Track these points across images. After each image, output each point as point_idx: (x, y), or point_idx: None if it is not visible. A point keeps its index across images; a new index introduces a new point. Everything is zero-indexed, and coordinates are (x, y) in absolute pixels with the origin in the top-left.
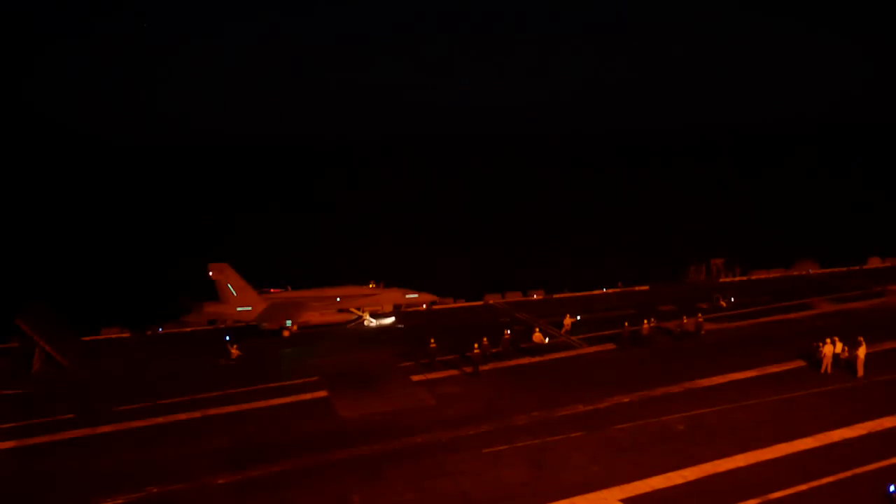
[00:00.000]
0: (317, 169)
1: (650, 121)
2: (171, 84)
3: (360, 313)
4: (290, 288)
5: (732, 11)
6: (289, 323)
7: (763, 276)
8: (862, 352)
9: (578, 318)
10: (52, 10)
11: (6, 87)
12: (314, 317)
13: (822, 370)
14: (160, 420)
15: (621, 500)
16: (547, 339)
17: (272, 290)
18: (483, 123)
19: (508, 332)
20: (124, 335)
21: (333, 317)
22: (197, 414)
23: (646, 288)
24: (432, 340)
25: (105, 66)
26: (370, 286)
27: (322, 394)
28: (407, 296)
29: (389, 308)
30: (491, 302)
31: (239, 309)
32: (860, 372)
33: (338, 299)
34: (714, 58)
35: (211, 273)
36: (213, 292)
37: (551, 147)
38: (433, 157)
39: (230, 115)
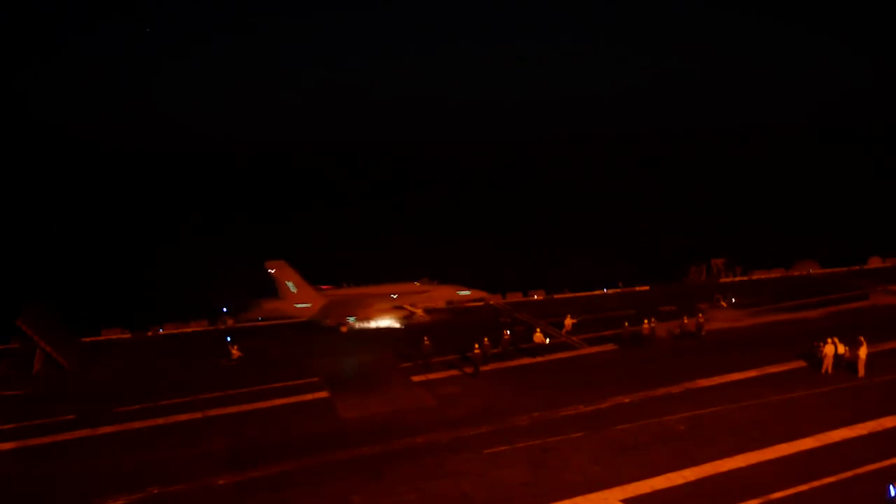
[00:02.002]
0: (337, 170)
1: (650, 123)
2: (176, 87)
3: (413, 310)
4: (346, 285)
5: (731, 14)
6: (351, 319)
7: (763, 277)
8: (863, 352)
9: (577, 319)
10: (53, 12)
11: (8, 88)
12: (372, 313)
13: (823, 370)
14: (161, 421)
15: (622, 501)
16: (548, 340)
17: (323, 287)
18: (484, 125)
19: (508, 332)
20: (125, 336)
21: (389, 313)
22: (198, 415)
23: (646, 288)
24: (426, 339)
25: (107, 69)
26: (424, 283)
27: (323, 394)
28: (459, 292)
29: (442, 304)
30: (492, 302)
31: (297, 305)
32: (861, 372)
33: (394, 296)
34: (714, 59)
35: (270, 270)
36: (269, 290)
37: (551, 148)
38: (432, 158)
39: (242, 119)
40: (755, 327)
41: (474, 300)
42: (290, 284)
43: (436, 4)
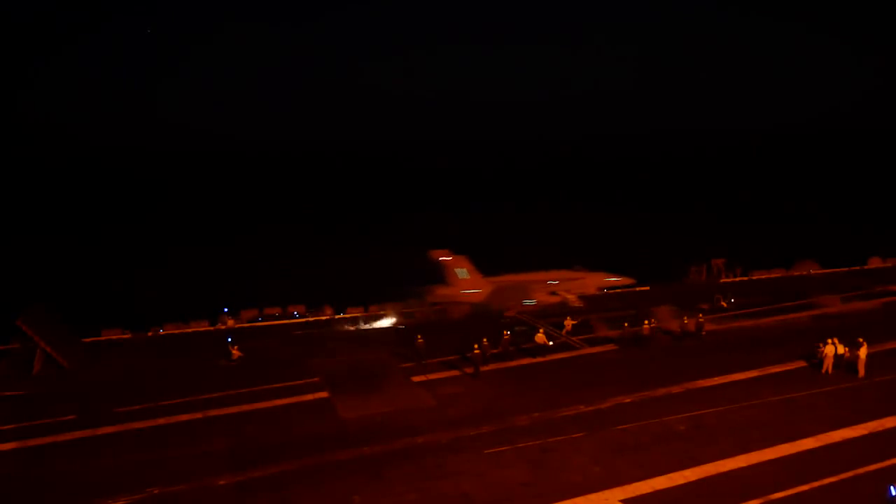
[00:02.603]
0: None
1: (650, 125)
2: (177, 87)
3: (567, 296)
4: (506, 273)
5: (730, 13)
6: (529, 302)
7: (764, 277)
8: (863, 352)
9: (578, 320)
10: (55, 13)
11: (9, 89)
12: (541, 297)
13: (823, 371)
14: (161, 421)
15: (622, 501)
16: (551, 343)
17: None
18: (483, 125)
19: (508, 332)
20: (125, 336)
21: (548, 298)
22: (198, 415)
23: (646, 288)
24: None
25: (110, 70)
26: (576, 270)
27: (323, 394)
28: (607, 279)
29: (594, 290)
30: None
31: (465, 291)
32: (861, 372)
33: (553, 282)
34: (715, 61)
35: (443, 259)
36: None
37: (551, 149)
38: (433, 158)
39: (243, 119)
40: (755, 327)
41: (621, 286)
42: (460, 272)
43: (437, 5)
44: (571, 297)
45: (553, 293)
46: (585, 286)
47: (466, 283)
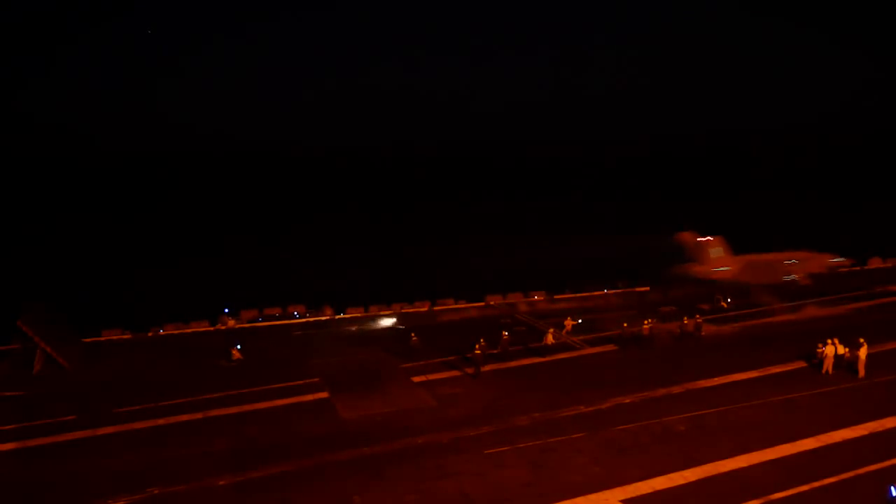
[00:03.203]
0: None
1: (651, 126)
2: (180, 87)
3: (798, 275)
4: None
5: (733, 13)
6: (788, 277)
7: None
8: (863, 352)
9: (580, 321)
10: (54, 12)
11: (9, 88)
12: (779, 275)
13: (823, 371)
14: (161, 421)
15: (622, 501)
16: (552, 333)
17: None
18: (488, 127)
19: (507, 333)
20: (125, 336)
21: (787, 274)
22: (198, 415)
23: (646, 288)
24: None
25: (109, 70)
26: (806, 251)
27: (323, 395)
28: (833, 260)
29: (822, 270)
30: (492, 303)
31: (717, 269)
32: (861, 372)
33: (791, 262)
34: (716, 62)
35: (698, 239)
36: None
37: (550, 149)
38: (432, 157)
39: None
40: (756, 327)
41: (844, 267)
42: (715, 251)
43: (441, 5)
44: (801, 276)
45: (789, 273)
46: (813, 267)
47: (719, 261)
